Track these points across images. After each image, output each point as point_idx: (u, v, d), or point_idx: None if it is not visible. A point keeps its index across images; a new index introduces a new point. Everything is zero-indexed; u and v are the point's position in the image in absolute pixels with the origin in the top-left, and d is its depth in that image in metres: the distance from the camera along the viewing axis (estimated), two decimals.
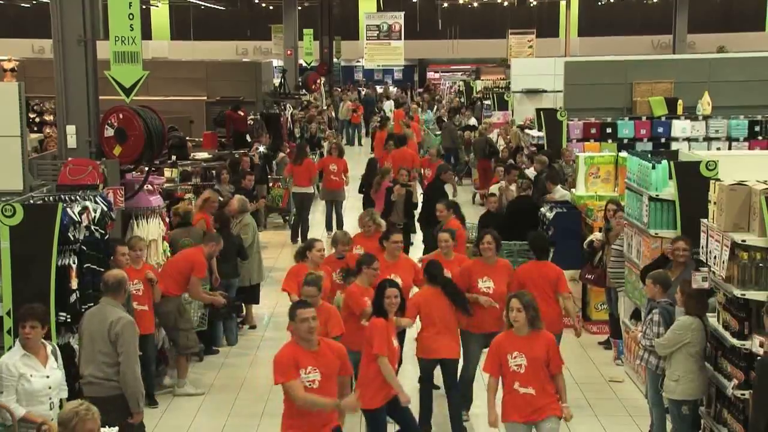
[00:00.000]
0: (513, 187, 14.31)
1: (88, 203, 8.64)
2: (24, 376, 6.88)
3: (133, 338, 7.50)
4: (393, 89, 46.70)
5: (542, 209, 13.18)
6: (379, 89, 46.01)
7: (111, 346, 7.41)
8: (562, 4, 42.85)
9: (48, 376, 7.00)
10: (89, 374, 7.45)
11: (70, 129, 10.44)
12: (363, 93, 42.78)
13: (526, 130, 19.60)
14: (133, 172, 11.03)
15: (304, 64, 36.85)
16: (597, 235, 11.57)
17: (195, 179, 15.76)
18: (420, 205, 15.55)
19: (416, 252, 14.43)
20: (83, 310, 8.22)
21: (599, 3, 47.80)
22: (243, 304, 12.79)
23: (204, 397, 10.36)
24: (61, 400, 7.13)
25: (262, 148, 19.84)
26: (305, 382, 6.56)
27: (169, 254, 11.26)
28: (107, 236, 8.87)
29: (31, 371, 6.92)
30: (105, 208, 8.89)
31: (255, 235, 12.85)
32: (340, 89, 42.35)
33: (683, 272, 8.61)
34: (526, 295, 7.30)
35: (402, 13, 40.44)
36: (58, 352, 7.25)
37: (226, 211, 12.68)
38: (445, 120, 27.92)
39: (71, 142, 10.44)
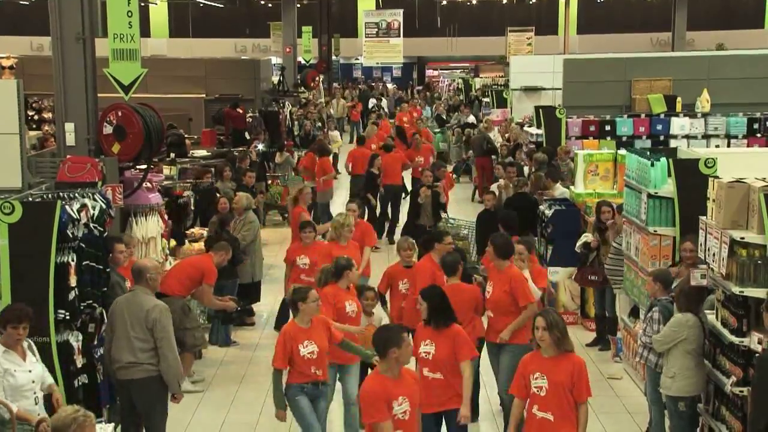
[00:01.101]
0: (511, 185, 14.29)
1: (86, 201, 8.63)
2: (8, 371, 6.93)
3: (170, 323, 7.97)
4: (391, 86, 46.71)
5: (541, 207, 13.18)
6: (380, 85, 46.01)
7: (148, 333, 7.81)
8: (561, 1, 42.80)
9: (30, 371, 7.06)
10: (126, 360, 7.81)
11: (69, 126, 10.43)
12: (361, 90, 42.80)
13: (525, 128, 19.60)
14: (132, 170, 11.03)
15: (303, 62, 36.82)
16: (588, 236, 11.53)
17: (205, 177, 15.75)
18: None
19: None
20: (82, 307, 8.23)
21: (598, 0, 47.79)
22: (252, 307, 12.87)
23: (203, 393, 10.37)
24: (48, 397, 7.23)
25: (260, 146, 19.84)
26: (398, 414, 6.29)
27: (168, 252, 11.28)
28: (106, 233, 8.86)
29: (14, 366, 6.96)
30: (104, 206, 8.88)
31: (258, 233, 12.88)
32: (341, 86, 42.32)
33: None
34: (551, 313, 6.80)
35: (401, 11, 40.30)
36: (34, 347, 7.30)
37: (235, 207, 12.77)
38: (444, 117, 27.91)
39: (70, 139, 10.43)
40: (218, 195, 13.83)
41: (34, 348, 7.31)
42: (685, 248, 8.74)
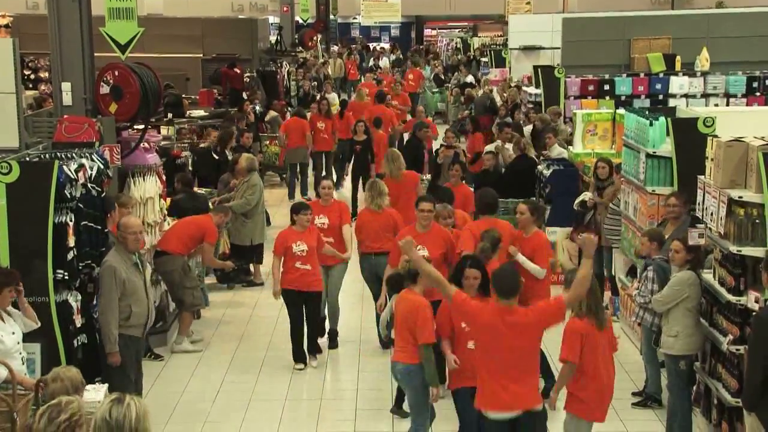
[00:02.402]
0: (509, 145, 14.24)
1: (84, 161, 8.61)
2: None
3: (108, 281, 8.02)
4: (386, 45, 46.46)
5: (539, 167, 13.18)
6: (377, 47, 45.70)
7: None
8: None
9: (14, 333, 7.05)
10: None
11: (66, 86, 10.37)
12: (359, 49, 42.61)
13: (524, 88, 19.53)
14: (129, 130, 11.00)
15: (301, 21, 36.59)
16: (588, 195, 11.53)
17: (192, 136, 15.72)
18: None
19: None
20: (80, 267, 8.24)
21: None
22: (251, 266, 12.98)
23: (202, 353, 10.43)
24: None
25: (258, 107, 19.75)
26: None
27: (166, 212, 11.30)
28: (104, 194, 8.85)
29: (1, 332, 6.95)
30: (101, 166, 8.86)
31: (261, 196, 12.84)
32: (341, 47, 42.03)
33: (677, 229, 8.63)
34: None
35: None
36: (11, 309, 7.24)
37: (236, 170, 12.81)
38: (442, 77, 27.80)
39: (66, 99, 10.38)
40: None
41: (12, 310, 7.24)
42: (669, 203, 8.80)
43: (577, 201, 11.62)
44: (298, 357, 9.97)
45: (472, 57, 32.04)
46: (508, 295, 6.39)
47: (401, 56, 40.48)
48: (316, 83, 26.07)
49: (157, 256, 10.54)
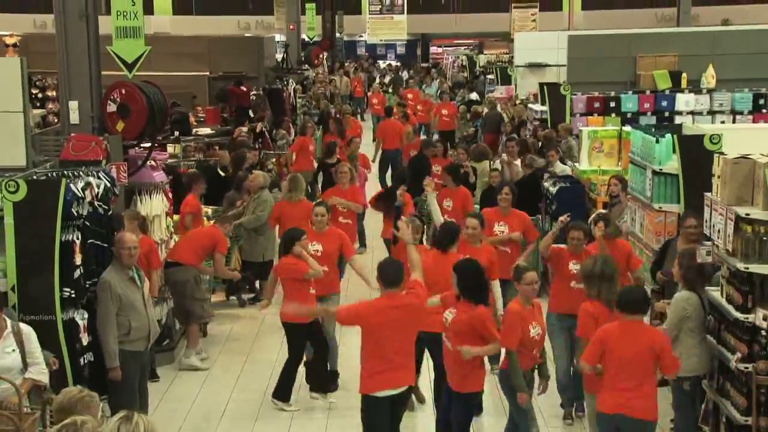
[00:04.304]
0: (518, 161, 14.20)
1: (91, 179, 8.62)
2: None
3: (104, 298, 8.09)
4: (394, 63, 46.61)
5: (545, 184, 13.16)
6: (382, 64, 45.86)
7: None
8: None
9: (14, 350, 7.03)
10: None
11: (73, 104, 10.41)
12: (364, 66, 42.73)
13: (530, 105, 19.55)
14: (136, 148, 11.03)
15: (307, 39, 36.72)
16: (602, 212, 11.52)
17: (198, 154, 15.73)
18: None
19: None
20: (87, 285, 8.25)
21: None
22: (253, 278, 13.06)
23: (209, 371, 10.41)
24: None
25: (266, 125, 19.78)
26: None
27: (173, 230, 11.32)
28: (111, 212, 8.87)
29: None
30: (108, 184, 8.88)
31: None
32: (350, 64, 42.14)
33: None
34: None
35: None
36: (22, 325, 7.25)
37: (248, 186, 13.01)
38: (448, 93, 27.81)
39: (74, 117, 10.42)
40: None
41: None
42: (689, 224, 8.68)
43: (591, 218, 11.65)
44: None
45: (477, 74, 32.08)
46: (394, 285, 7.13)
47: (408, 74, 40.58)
48: (325, 101, 26.17)
49: (168, 266, 10.60)
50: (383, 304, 7.15)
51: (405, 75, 39.73)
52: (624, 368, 6.95)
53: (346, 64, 40.84)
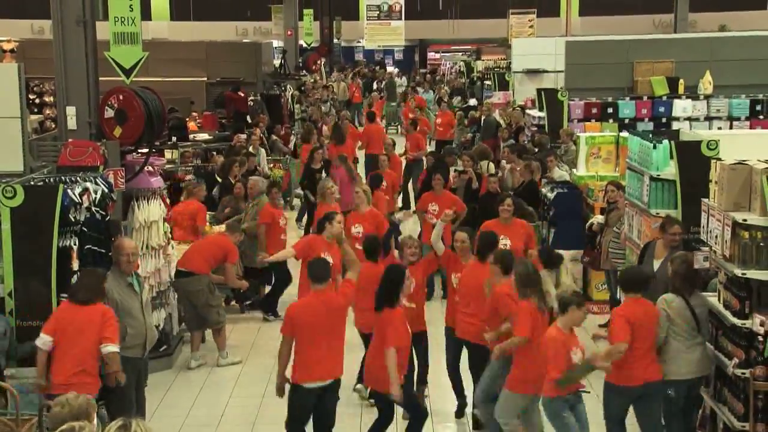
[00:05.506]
0: (518, 167, 14.16)
1: (88, 184, 8.63)
2: None
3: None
4: (394, 69, 46.57)
5: (543, 189, 13.17)
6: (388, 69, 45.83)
7: None
8: None
9: None
10: None
11: (70, 110, 10.41)
12: (363, 72, 42.72)
13: (528, 111, 19.56)
14: (134, 154, 11.03)
15: (305, 45, 36.75)
16: (599, 218, 11.56)
17: (195, 160, 15.76)
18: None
19: None
20: None
21: None
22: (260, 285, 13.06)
23: (206, 377, 10.41)
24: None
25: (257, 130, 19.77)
26: None
27: (170, 235, 11.33)
28: (108, 217, 8.87)
29: None
30: (106, 190, 8.89)
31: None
32: (348, 70, 42.13)
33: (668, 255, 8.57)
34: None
35: None
36: None
37: (249, 192, 13.06)
38: (445, 100, 27.81)
39: (71, 123, 10.42)
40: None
41: None
42: (675, 231, 8.72)
43: (588, 224, 11.74)
44: None
45: (474, 79, 32.09)
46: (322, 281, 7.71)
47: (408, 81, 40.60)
48: (324, 108, 26.17)
49: (179, 275, 10.63)
50: (311, 300, 7.76)
51: (404, 81, 39.75)
52: (647, 340, 7.61)
53: (347, 70, 40.85)
